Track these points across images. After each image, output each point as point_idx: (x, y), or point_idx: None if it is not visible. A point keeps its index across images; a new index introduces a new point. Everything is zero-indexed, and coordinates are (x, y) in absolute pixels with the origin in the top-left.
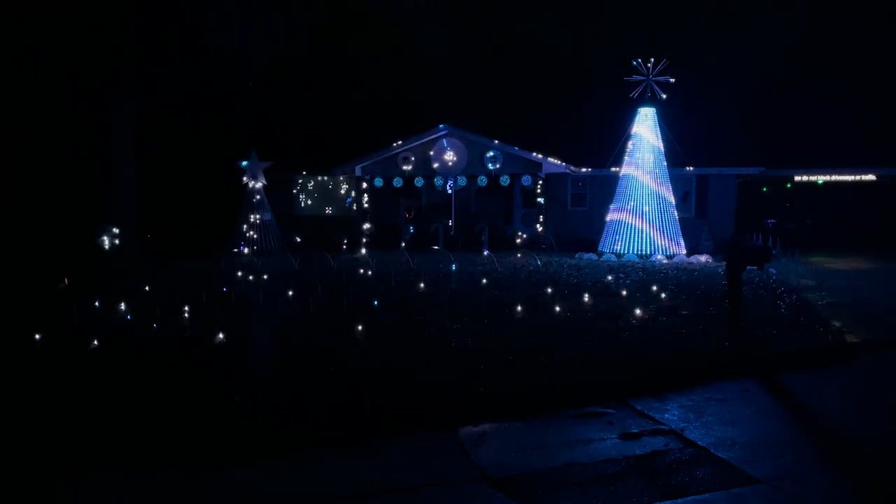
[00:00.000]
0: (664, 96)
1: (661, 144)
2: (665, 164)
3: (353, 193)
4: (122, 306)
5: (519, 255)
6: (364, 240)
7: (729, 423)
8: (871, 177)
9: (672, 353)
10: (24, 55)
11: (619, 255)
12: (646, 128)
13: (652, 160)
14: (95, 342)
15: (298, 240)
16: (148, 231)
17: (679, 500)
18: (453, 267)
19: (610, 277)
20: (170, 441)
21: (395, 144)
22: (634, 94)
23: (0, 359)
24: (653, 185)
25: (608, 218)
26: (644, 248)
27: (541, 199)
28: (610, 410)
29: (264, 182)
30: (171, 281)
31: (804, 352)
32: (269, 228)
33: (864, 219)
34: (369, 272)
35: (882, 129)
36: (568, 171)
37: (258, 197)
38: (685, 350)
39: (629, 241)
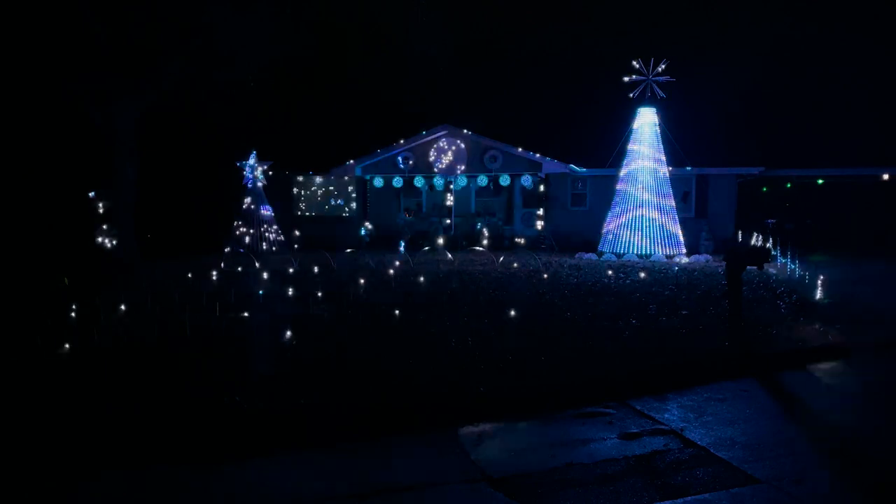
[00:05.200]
0: (664, 96)
1: (660, 144)
2: (665, 163)
3: (353, 193)
4: (122, 306)
5: (519, 255)
6: (364, 240)
7: (729, 422)
8: (871, 176)
9: (672, 352)
10: (26, 55)
11: (619, 255)
12: (646, 128)
13: (651, 160)
14: (95, 341)
15: (298, 239)
16: (148, 231)
17: (679, 500)
18: (453, 267)
19: (610, 277)
20: (168, 441)
21: (395, 144)
22: (634, 94)
23: (0, 358)
24: (652, 185)
25: (608, 218)
26: (644, 248)
27: (541, 199)
28: (610, 410)
29: (264, 182)
30: (171, 280)
31: (804, 352)
32: (269, 228)
33: (864, 219)
34: (369, 272)
35: (882, 129)
36: (568, 171)
37: (258, 197)
38: (685, 350)
39: (629, 241)
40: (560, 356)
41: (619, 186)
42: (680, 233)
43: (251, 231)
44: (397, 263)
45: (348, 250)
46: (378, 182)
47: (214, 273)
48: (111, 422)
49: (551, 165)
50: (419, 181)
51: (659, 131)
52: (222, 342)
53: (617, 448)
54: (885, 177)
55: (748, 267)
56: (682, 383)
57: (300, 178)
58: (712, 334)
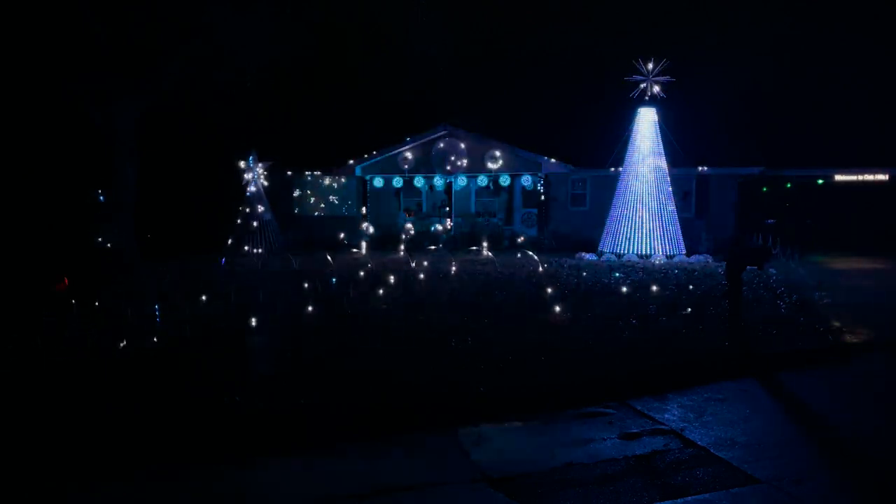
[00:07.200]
0: (664, 96)
1: (660, 144)
2: (665, 163)
3: (353, 193)
4: (122, 306)
5: (519, 255)
6: (364, 240)
7: (729, 423)
8: (871, 177)
9: (672, 352)
10: (27, 55)
11: (619, 255)
12: (646, 128)
13: (652, 160)
14: (94, 342)
15: (298, 240)
16: (148, 231)
17: (679, 500)
18: (453, 267)
19: (610, 277)
20: (168, 441)
21: (395, 144)
22: (634, 94)
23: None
24: (653, 185)
25: (608, 218)
26: (644, 248)
27: (541, 199)
28: (610, 410)
29: (264, 182)
30: (171, 281)
31: (804, 352)
32: (269, 228)
33: (864, 219)
34: (369, 272)
35: (882, 129)
36: (568, 171)
37: (258, 197)
38: (685, 350)
39: (629, 241)
40: (560, 356)
41: (619, 186)
42: (680, 233)
43: (251, 231)
44: (397, 264)
45: (348, 250)
46: (378, 182)
47: (214, 273)
48: (110, 422)
49: (551, 165)
50: (419, 181)
51: (659, 131)
52: (222, 342)
53: (617, 448)
54: (885, 177)
55: (748, 267)
56: (682, 383)
57: (300, 178)
58: (712, 334)
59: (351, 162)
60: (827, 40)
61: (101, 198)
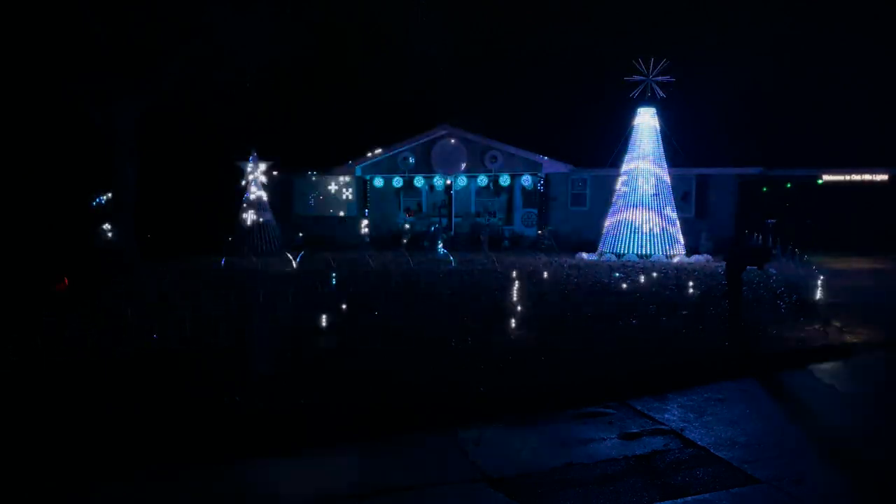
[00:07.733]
0: (664, 96)
1: (660, 144)
2: (665, 163)
3: (353, 193)
4: (122, 306)
5: (519, 255)
6: (364, 240)
7: (729, 422)
8: (871, 177)
9: (672, 352)
10: (26, 55)
11: (619, 255)
12: (645, 127)
13: (652, 160)
14: (94, 342)
15: (298, 239)
16: (148, 231)
17: (679, 500)
18: (453, 267)
19: (610, 277)
20: (168, 441)
21: (395, 144)
22: (634, 93)
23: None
24: (652, 185)
25: (608, 218)
26: (644, 248)
27: (541, 199)
28: (610, 410)
29: (264, 182)
30: (171, 281)
31: (804, 352)
32: (269, 228)
33: (864, 219)
34: (369, 272)
35: (882, 129)
36: (568, 171)
37: (258, 197)
38: (685, 350)
39: (629, 241)
40: (560, 356)
41: (618, 186)
42: (680, 233)
43: (251, 231)
44: (397, 264)
45: (348, 250)
46: (378, 182)
47: (214, 273)
48: (110, 422)
49: (551, 165)
50: (419, 181)
51: (659, 131)
52: (222, 342)
53: (617, 448)
54: (885, 177)
55: (748, 267)
56: (682, 383)
57: (300, 178)
58: (712, 334)
59: (351, 162)
60: (826, 40)
61: (102, 200)
